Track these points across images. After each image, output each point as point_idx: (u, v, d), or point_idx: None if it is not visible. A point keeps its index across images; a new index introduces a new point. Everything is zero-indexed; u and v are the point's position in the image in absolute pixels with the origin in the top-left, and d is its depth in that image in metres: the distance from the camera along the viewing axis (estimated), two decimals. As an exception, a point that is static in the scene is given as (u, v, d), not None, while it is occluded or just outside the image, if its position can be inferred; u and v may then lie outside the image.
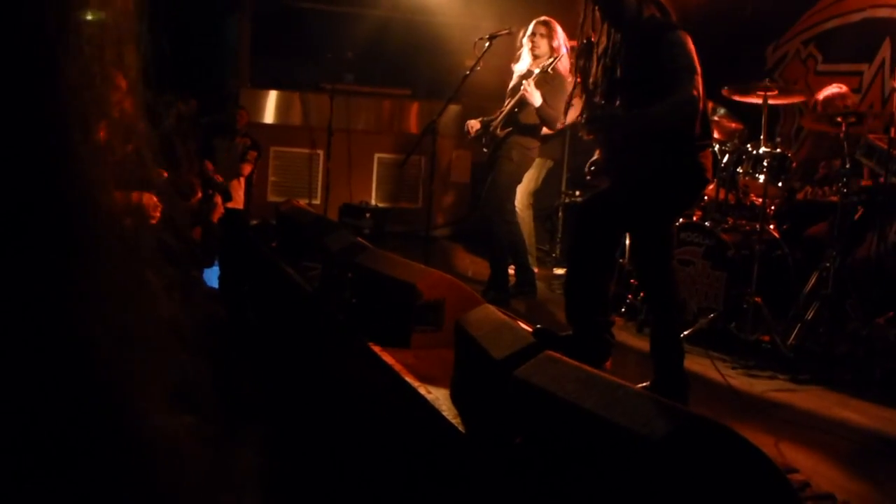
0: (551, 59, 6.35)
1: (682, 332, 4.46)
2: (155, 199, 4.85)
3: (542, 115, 6.39)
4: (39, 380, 0.44)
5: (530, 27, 6.58)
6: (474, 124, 6.77)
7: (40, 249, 0.44)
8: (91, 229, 0.46)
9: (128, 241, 0.50)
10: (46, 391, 0.44)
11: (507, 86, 6.76)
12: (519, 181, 6.88)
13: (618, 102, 4.23)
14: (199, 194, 6.19)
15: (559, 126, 6.64)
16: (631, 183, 4.16)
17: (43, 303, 0.44)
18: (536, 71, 6.38)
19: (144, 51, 0.55)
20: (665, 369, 4.23)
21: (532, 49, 6.54)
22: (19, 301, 0.43)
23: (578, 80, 4.55)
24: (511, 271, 6.93)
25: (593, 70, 4.32)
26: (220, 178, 7.54)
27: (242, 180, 8.15)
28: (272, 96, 9.53)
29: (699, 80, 3.99)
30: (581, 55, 4.45)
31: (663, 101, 3.97)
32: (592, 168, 5.77)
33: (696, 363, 4.91)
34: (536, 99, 6.30)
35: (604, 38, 4.27)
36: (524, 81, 6.38)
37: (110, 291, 0.47)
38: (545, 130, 6.70)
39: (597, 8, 4.23)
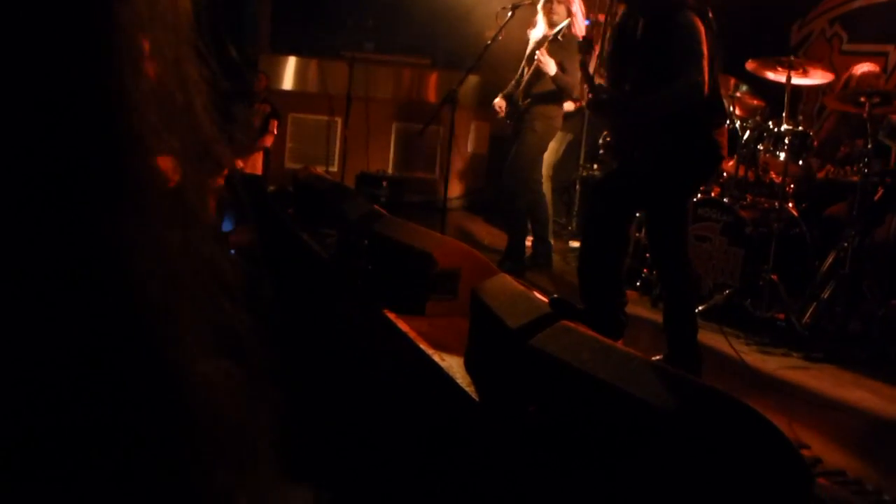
0: (562, 25, 6.29)
1: (695, 307, 4.47)
2: (172, 162, 4.88)
3: (559, 83, 6.36)
4: (90, 323, 0.44)
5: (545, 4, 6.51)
6: (502, 104, 6.74)
7: (94, 192, 0.44)
8: (141, 176, 0.47)
9: (168, 195, 0.51)
10: (98, 335, 0.44)
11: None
12: (544, 150, 6.86)
13: (627, 82, 4.19)
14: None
15: (577, 93, 6.61)
16: (643, 161, 4.14)
17: (94, 245, 0.44)
18: (550, 35, 6.33)
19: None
20: (678, 343, 4.23)
21: (548, 14, 6.47)
22: (70, 240, 0.43)
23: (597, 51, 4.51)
24: (528, 242, 6.93)
25: (599, 49, 4.30)
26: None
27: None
28: (291, 62, 9.51)
29: (705, 63, 3.95)
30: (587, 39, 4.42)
31: (668, 85, 3.95)
32: (606, 142, 5.75)
33: (711, 339, 4.91)
34: (551, 67, 6.27)
35: (614, 15, 4.24)
36: (538, 51, 6.34)
37: (156, 237, 0.48)
38: (568, 105, 6.67)
39: None
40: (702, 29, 4.01)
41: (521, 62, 6.83)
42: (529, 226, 7.05)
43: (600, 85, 4.24)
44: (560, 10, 6.42)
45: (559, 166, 8.02)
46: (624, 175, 4.26)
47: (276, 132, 8.34)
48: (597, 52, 4.55)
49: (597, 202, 4.27)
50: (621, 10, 4.26)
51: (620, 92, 4.17)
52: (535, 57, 6.33)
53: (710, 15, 4.20)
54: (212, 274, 0.52)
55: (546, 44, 6.31)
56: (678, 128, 4.05)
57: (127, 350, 0.45)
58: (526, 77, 6.52)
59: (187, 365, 0.48)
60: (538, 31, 6.58)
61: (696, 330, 4.29)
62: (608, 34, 4.30)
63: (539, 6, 6.57)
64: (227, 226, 6.66)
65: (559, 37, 6.26)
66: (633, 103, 4.10)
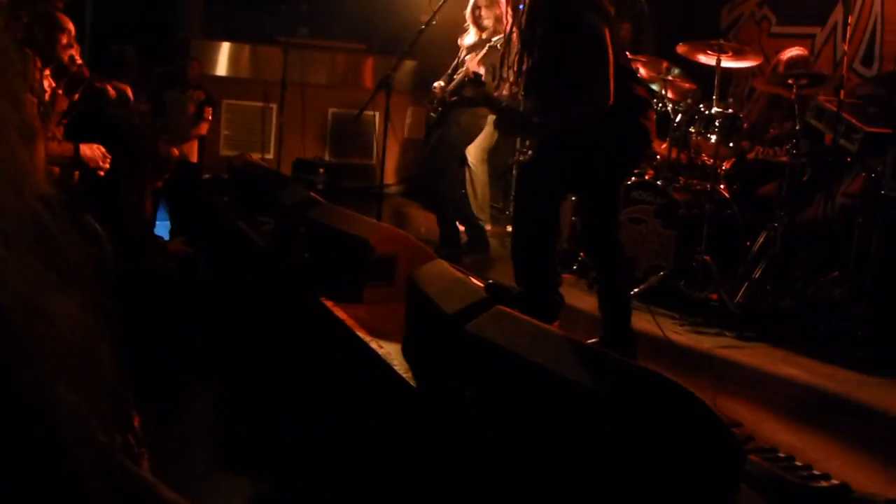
0: (498, 37, 6.31)
1: (629, 290, 4.51)
2: (102, 149, 4.77)
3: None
4: None
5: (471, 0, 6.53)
6: (439, 86, 6.75)
7: None
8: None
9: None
10: None
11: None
12: (466, 144, 6.89)
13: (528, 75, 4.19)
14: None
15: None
16: (567, 147, 4.14)
17: None
18: (488, 40, 6.35)
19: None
20: (613, 326, 4.28)
21: (476, 21, 6.50)
22: None
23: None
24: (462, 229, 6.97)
25: (507, 56, 4.30)
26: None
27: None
28: (224, 48, 9.38)
29: (610, 71, 3.93)
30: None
31: (573, 94, 3.95)
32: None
33: (645, 320, 4.97)
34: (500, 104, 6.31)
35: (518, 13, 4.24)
36: (466, 59, 6.40)
37: None
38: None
39: None
40: (605, 31, 3.98)
41: (455, 46, 6.82)
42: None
43: (506, 107, 4.26)
44: (487, 14, 6.43)
45: (495, 150, 8.04)
46: (547, 159, 4.26)
47: (210, 119, 8.23)
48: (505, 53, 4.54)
49: (524, 185, 4.29)
50: (525, 5, 4.24)
51: (527, 94, 4.16)
52: (465, 66, 6.37)
53: (611, 10, 4.21)
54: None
55: (481, 52, 6.34)
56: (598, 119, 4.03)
57: None
58: (456, 80, 6.53)
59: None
60: (469, 38, 6.59)
61: (630, 312, 4.35)
62: (514, 32, 4.29)
63: (467, 13, 6.57)
64: (161, 217, 6.57)
65: (498, 45, 6.27)
66: (538, 123, 4.10)
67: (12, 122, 0.49)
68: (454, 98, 6.52)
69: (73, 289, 0.50)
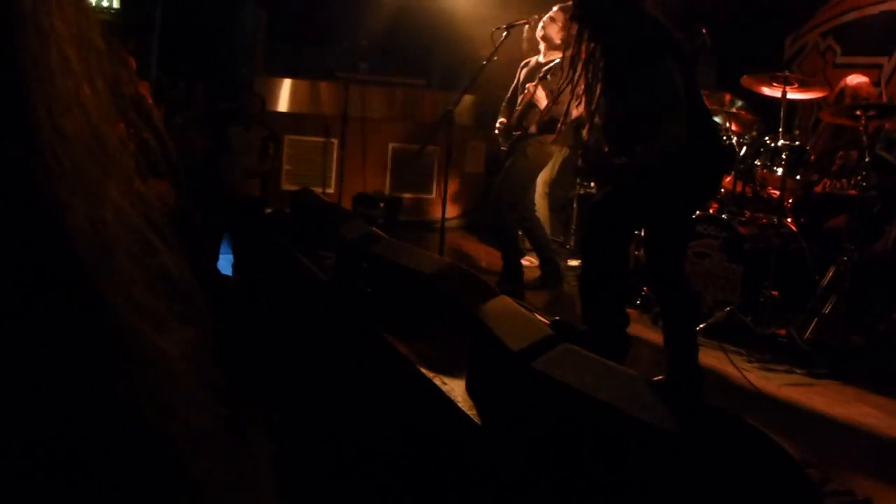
0: (557, 59, 6.28)
1: (695, 326, 4.43)
2: (167, 185, 4.84)
3: (552, 116, 6.36)
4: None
5: (541, 22, 6.50)
6: (501, 123, 6.74)
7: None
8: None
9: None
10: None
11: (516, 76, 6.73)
12: (534, 178, 6.87)
13: (600, 122, 4.23)
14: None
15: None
16: (645, 183, 4.11)
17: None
18: (547, 66, 6.33)
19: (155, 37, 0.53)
20: (679, 363, 4.20)
21: (545, 41, 6.47)
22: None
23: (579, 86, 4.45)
24: (526, 263, 6.92)
25: (582, 97, 4.30)
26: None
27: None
28: (286, 84, 9.52)
29: (682, 112, 3.98)
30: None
31: (649, 138, 3.97)
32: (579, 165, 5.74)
33: (712, 356, 4.89)
34: (542, 102, 6.28)
35: (582, 50, 4.22)
36: (528, 85, 6.36)
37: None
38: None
39: (579, 22, 4.16)
40: (679, 75, 4.01)
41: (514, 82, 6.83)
42: (528, 247, 7.06)
43: (588, 151, 4.26)
44: (554, 34, 6.37)
45: (555, 184, 8.00)
46: (623, 195, 4.23)
47: (272, 154, 8.32)
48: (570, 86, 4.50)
49: (596, 222, 4.26)
50: (588, 45, 4.21)
51: (598, 130, 4.20)
52: (526, 89, 6.35)
53: (686, 46, 4.21)
54: (150, 225, 0.51)
55: (538, 79, 6.32)
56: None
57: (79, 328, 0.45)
58: (519, 107, 6.51)
59: (136, 340, 0.47)
60: (532, 61, 6.58)
61: (697, 348, 4.26)
62: (579, 70, 4.27)
63: (537, 34, 6.54)
64: (224, 250, 6.64)
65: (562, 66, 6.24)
66: (622, 166, 4.08)
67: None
68: (518, 132, 6.50)
69: (190, 321, 0.52)
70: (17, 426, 0.42)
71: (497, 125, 6.74)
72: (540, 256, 6.96)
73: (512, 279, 6.55)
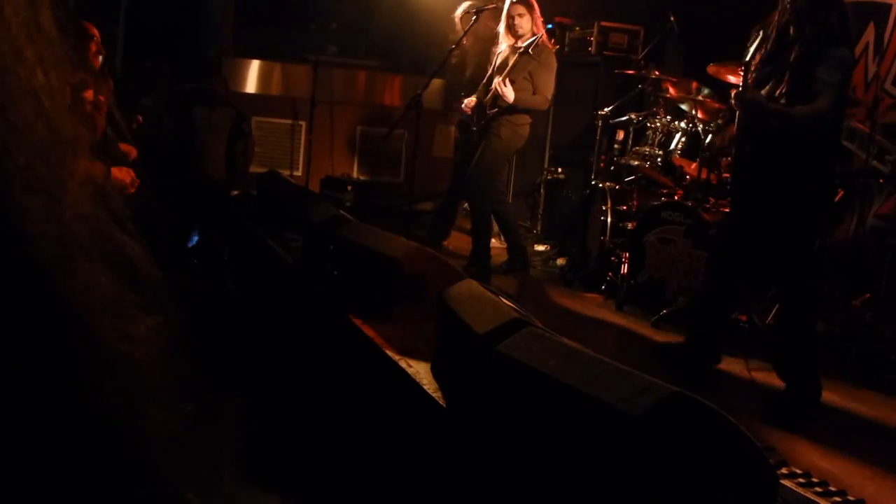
0: (531, 40, 6.31)
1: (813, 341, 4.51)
2: (132, 173, 4.76)
3: (523, 107, 6.39)
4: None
5: (506, 8, 6.51)
6: (471, 102, 6.75)
7: None
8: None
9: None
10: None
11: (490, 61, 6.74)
12: (509, 157, 6.89)
13: (765, 90, 4.40)
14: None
15: (546, 106, 6.62)
16: (762, 204, 4.37)
17: None
18: (519, 47, 6.35)
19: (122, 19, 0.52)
20: (799, 380, 4.29)
21: (510, 29, 6.49)
22: None
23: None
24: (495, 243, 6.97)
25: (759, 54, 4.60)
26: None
27: (224, 148, 8.03)
28: (255, 66, 9.45)
29: (841, 98, 4.24)
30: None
31: (803, 105, 4.19)
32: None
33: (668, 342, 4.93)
34: (509, 96, 6.29)
35: (774, 29, 4.50)
36: (496, 79, 6.36)
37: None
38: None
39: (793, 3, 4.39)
40: (850, 65, 4.33)
41: (485, 66, 6.84)
42: (495, 230, 7.09)
43: (748, 85, 4.47)
44: (523, 22, 6.43)
45: (523, 169, 8.03)
46: (760, 212, 4.44)
47: (249, 130, 8.22)
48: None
49: (723, 249, 4.67)
50: (777, 22, 4.51)
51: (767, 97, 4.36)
52: (494, 84, 6.36)
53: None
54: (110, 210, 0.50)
55: (512, 61, 6.34)
56: (799, 171, 4.28)
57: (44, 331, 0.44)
58: (493, 89, 6.52)
59: (95, 340, 0.47)
60: (502, 46, 6.59)
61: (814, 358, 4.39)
62: (765, 45, 4.58)
63: (501, 27, 6.57)
64: (194, 237, 6.60)
65: (529, 50, 6.27)
66: (772, 110, 4.28)
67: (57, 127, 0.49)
68: (494, 109, 6.50)
69: (155, 310, 0.51)
70: None
71: (466, 102, 6.76)
72: (508, 240, 6.99)
73: (479, 263, 6.58)
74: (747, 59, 4.64)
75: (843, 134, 5.54)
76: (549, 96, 6.55)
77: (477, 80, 6.89)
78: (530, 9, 6.43)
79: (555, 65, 6.55)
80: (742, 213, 4.60)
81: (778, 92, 4.34)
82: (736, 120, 4.72)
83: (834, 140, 4.39)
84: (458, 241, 7.71)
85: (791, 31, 4.38)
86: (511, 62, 6.39)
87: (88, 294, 0.47)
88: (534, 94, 6.47)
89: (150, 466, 0.48)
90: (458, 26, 6.95)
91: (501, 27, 6.56)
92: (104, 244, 0.49)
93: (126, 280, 0.49)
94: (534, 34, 6.36)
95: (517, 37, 6.45)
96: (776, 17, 4.55)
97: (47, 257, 0.45)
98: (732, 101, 4.56)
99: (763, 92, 4.39)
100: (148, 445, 0.47)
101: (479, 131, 6.66)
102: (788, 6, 4.38)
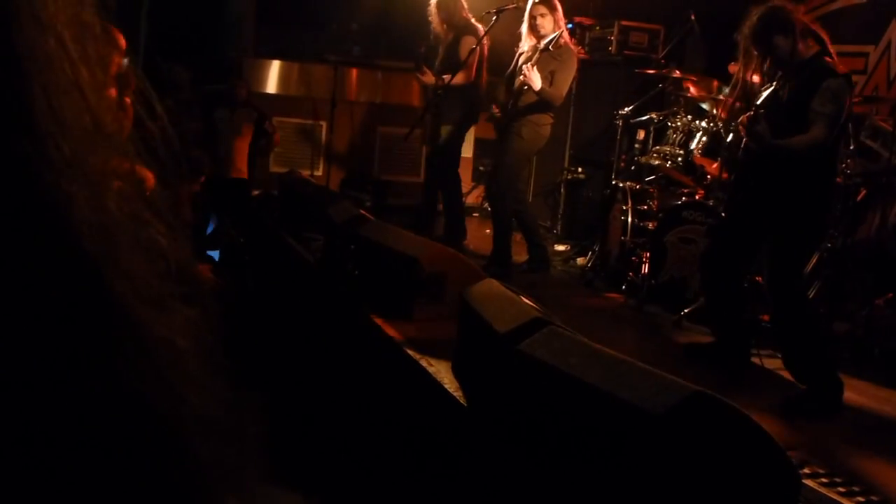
0: (552, 37, 6.30)
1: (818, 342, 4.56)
2: (149, 174, 4.81)
3: (543, 97, 6.38)
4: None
5: (528, 8, 6.50)
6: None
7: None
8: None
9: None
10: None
11: (513, 60, 6.74)
12: (530, 157, 6.88)
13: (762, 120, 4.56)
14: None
15: (559, 102, 6.60)
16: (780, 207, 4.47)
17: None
18: (541, 46, 6.35)
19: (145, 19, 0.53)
20: (813, 380, 4.32)
21: (534, 30, 6.48)
22: None
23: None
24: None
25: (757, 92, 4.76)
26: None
27: (246, 149, 8.05)
28: (275, 66, 9.49)
29: (834, 129, 4.39)
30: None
31: (796, 137, 4.38)
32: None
33: (700, 340, 4.92)
34: (536, 82, 6.29)
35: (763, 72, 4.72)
36: (525, 66, 6.35)
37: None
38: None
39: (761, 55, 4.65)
40: (847, 94, 4.45)
41: (506, 66, 6.84)
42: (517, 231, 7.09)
43: (759, 115, 4.58)
44: (545, 22, 6.41)
45: (543, 169, 8.02)
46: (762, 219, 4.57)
47: (275, 130, 8.22)
48: None
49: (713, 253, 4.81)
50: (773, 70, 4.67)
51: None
52: (522, 71, 6.35)
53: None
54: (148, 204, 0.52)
55: (535, 58, 6.33)
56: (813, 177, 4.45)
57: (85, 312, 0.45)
58: (515, 87, 6.52)
59: (136, 323, 0.48)
60: (524, 45, 6.58)
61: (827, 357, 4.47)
62: (762, 92, 4.70)
63: (524, 21, 6.56)
64: (210, 227, 6.64)
65: (550, 47, 6.26)
66: (770, 141, 4.47)
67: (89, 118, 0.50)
68: (515, 109, 6.50)
69: (193, 301, 0.52)
70: (28, 420, 0.42)
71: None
72: (528, 240, 6.97)
73: (500, 263, 6.57)
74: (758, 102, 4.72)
75: (865, 133, 5.51)
76: (563, 94, 6.55)
77: (444, 69, 6.92)
78: (552, 9, 6.41)
79: (575, 66, 6.56)
80: (738, 218, 4.76)
81: (775, 123, 4.51)
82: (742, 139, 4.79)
83: (831, 162, 4.56)
84: (478, 241, 7.71)
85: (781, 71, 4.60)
86: (534, 59, 6.38)
87: (129, 282, 0.48)
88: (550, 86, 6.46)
89: (188, 448, 0.49)
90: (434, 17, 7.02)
91: (524, 27, 6.55)
92: (145, 236, 0.50)
93: (164, 271, 0.51)
94: (556, 32, 6.35)
95: (539, 37, 6.43)
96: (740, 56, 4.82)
97: (92, 245, 0.46)
98: (740, 128, 4.65)
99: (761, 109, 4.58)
100: (185, 427, 0.49)
101: (501, 131, 6.66)
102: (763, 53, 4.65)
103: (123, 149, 0.52)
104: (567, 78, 6.47)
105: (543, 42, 6.34)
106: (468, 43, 6.79)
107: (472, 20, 6.92)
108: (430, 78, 6.89)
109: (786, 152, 4.43)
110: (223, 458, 0.52)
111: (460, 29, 6.91)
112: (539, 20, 6.42)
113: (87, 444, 0.44)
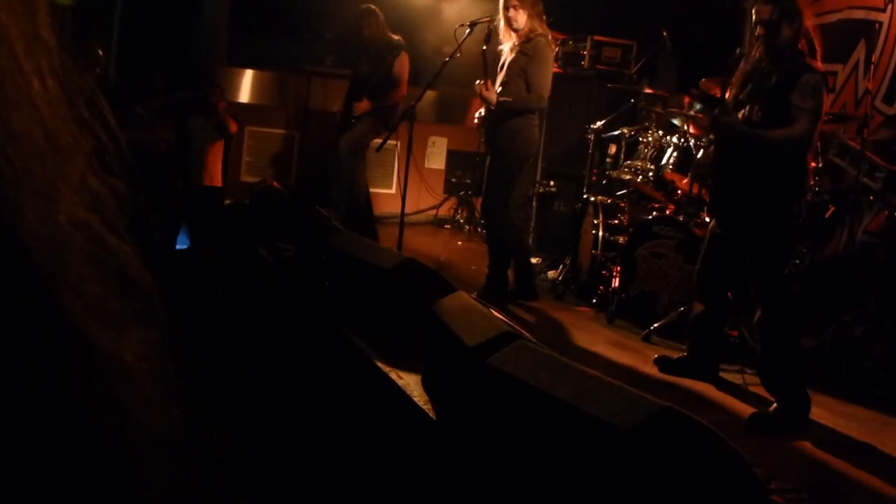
0: (527, 39, 6.17)
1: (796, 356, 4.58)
2: (122, 186, 4.76)
3: (518, 109, 6.21)
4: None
5: (500, 4, 6.35)
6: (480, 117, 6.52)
7: None
8: None
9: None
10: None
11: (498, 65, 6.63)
12: (523, 167, 6.41)
13: (741, 114, 4.50)
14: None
15: (542, 104, 6.36)
16: (752, 225, 4.47)
17: None
18: (516, 42, 6.19)
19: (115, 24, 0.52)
20: (786, 395, 4.31)
21: (508, 24, 6.31)
22: None
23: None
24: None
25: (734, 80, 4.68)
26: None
27: (220, 157, 7.99)
28: (248, 75, 9.45)
29: (816, 125, 4.37)
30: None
31: (778, 129, 4.33)
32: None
33: (668, 356, 4.94)
34: (491, 98, 6.15)
35: (754, 55, 4.57)
36: (477, 83, 6.22)
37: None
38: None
39: (760, 30, 4.49)
40: (825, 91, 4.45)
41: (478, 78, 6.81)
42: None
43: (727, 104, 4.51)
44: (518, 16, 6.22)
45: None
46: (736, 235, 4.58)
47: (235, 124, 8.09)
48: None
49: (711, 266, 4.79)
50: (756, 53, 4.55)
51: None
52: (476, 86, 6.26)
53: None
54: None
55: (484, 80, 6.22)
56: (786, 187, 4.43)
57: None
58: (503, 89, 6.34)
59: (88, 344, 0.47)
60: (506, 44, 6.41)
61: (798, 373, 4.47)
62: (741, 70, 4.66)
63: (500, 23, 6.45)
64: (182, 241, 6.60)
65: (521, 46, 6.17)
66: (746, 132, 4.42)
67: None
68: (497, 113, 6.26)
69: (147, 317, 0.52)
70: None
71: (477, 115, 6.59)
72: (518, 263, 6.54)
73: (495, 288, 6.25)
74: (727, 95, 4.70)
75: (833, 151, 5.58)
76: (545, 93, 6.26)
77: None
78: (523, 2, 6.24)
79: (550, 57, 6.33)
80: (718, 229, 4.72)
81: (754, 117, 4.45)
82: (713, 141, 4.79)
83: (803, 164, 4.49)
84: (450, 253, 7.71)
85: (765, 60, 4.49)
86: (510, 58, 6.26)
87: (80, 297, 0.47)
88: (528, 91, 6.21)
89: (135, 467, 0.48)
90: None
91: (500, 25, 6.36)
92: (97, 250, 0.50)
93: (118, 286, 0.50)
94: (531, 29, 6.20)
95: (515, 31, 6.25)
96: (748, 35, 4.66)
97: (40, 258, 0.45)
98: (709, 124, 4.64)
99: (740, 115, 4.46)
100: (133, 445, 0.48)
101: (487, 143, 6.50)
102: (761, 38, 4.49)
103: (82, 159, 0.51)
104: (542, 72, 6.22)
105: (520, 44, 6.18)
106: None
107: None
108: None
109: (761, 142, 4.36)
110: (171, 477, 0.51)
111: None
112: (511, 12, 6.21)
113: (28, 458, 0.43)
